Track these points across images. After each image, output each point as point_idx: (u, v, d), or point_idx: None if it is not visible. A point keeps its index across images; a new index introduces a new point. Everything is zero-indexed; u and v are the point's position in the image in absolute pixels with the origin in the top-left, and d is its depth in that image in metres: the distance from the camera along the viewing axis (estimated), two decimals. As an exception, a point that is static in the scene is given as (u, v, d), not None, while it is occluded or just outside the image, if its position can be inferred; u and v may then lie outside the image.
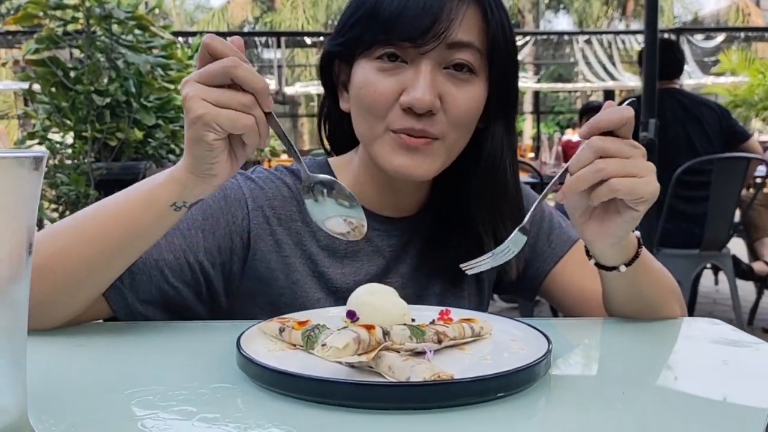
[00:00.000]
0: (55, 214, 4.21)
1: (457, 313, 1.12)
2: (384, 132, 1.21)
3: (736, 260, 4.76)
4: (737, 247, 4.92)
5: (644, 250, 1.16)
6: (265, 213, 1.30)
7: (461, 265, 1.14)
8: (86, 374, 0.96)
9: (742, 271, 4.96)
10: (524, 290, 1.47)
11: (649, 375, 0.99)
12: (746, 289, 5.32)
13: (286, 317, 1.05)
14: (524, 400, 0.85)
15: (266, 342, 1.02)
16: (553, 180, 1.06)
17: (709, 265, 5.49)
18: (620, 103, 1.04)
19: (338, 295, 1.30)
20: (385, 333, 0.90)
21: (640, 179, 1.00)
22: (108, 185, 4.32)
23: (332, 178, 1.10)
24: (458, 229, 1.34)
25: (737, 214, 4.70)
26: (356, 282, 1.31)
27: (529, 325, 1.05)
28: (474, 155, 1.29)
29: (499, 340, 1.04)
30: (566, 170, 1.03)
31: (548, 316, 4.68)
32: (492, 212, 1.32)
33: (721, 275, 5.92)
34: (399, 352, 0.90)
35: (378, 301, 1.04)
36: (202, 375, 0.93)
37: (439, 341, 0.96)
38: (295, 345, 1.00)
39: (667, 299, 1.25)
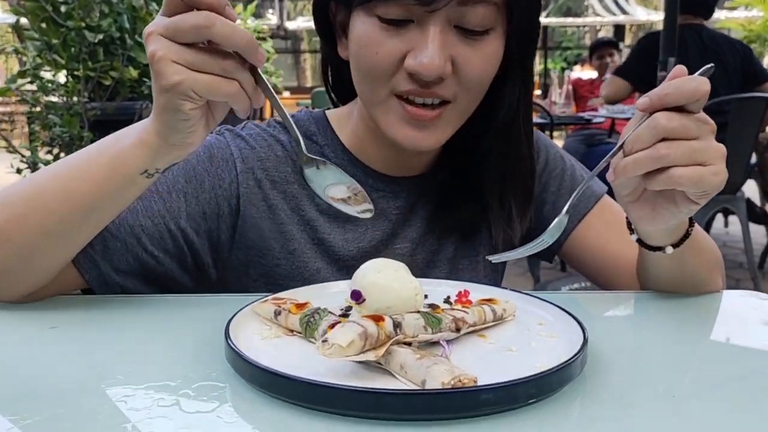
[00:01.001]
0: (49, 157, 4.07)
1: (475, 290, 1.00)
2: (387, 97, 1.06)
3: (750, 204, 4.64)
4: (750, 190, 4.79)
5: (695, 228, 1.03)
6: (257, 175, 1.16)
7: (488, 257, 1.01)
8: (58, 362, 0.85)
9: (755, 214, 4.84)
10: (546, 251, 1.34)
11: (701, 369, 0.87)
12: (757, 232, 5.21)
13: (282, 297, 0.93)
14: (556, 403, 0.73)
15: (260, 326, 0.90)
16: (605, 159, 0.92)
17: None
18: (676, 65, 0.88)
19: (340, 264, 1.18)
20: (396, 324, 0.78)
21: (706, 169, 0.85)
22: (102, 126, 4.16)
23: (327, 162, 0.95)
24: (472, 189, 1.21)
25: (753, 156, 4.55)
26: (359, 249, 1.19)
27: (557, 306, 0.93)
28: (488, 110, 1.15)
29: (524, 324, 0.92)
30: (620, 146, 0.88)
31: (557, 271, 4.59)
32: (501, 172, 1.19)
33: (732, 218, 5.80)
34: (411, 345, 0.78)
35: (387, 280, 0.91)
36: (186, 366, 0.81)
37: (458, 329, 0.84)
38: (292, 331, 0.88)
39: (712, 274, 1.12)
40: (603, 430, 0.70)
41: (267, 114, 8.83)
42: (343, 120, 1.23)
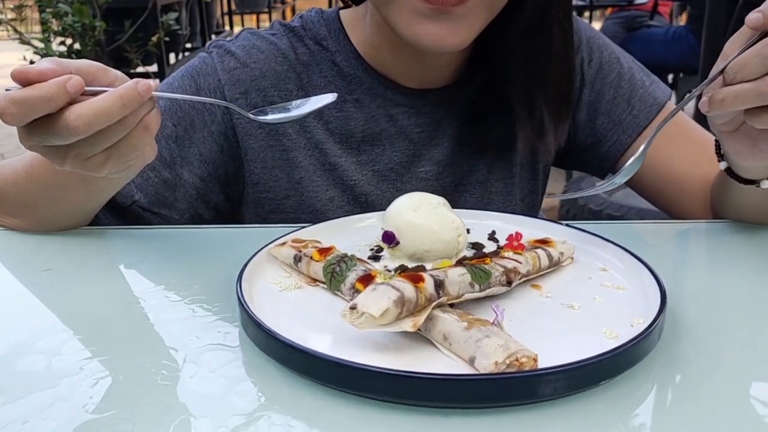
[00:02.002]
0: (63, 48, 3.90)
1: (523, 225, 0.87)
2: None
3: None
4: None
5: None
6: (251, 100, 1.01)
7: (548, 196, 0.86)
8: (43, 321, 0.74)
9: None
10: (596, 167, 1.19)
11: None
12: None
13: (302, 238, 0.81)
14: (626, 384, 0.61)
15: (278, 274, 0.78)
16: (701, 84, 0.75)
17: None
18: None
19: (356, 192, 1.05)
20: (438, 284, 0.65)
21: None
22: (115, 15, 3.97)
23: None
24: (504, 100, 1.05)
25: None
26: (375, 173, 1.05)
27: (622, 247, 0.80)
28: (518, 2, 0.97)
29: (584, 270, 0.79)
30: (721, 71, 0.71)
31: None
32: (528, 73, 1.01)
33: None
34: (454, 306, 0.66)
35: (424, 219, 0.78)
36: (195, 326, 0.70)
37: (509, 282, 0.71)
38: (315, 280, 0.76)
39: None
40: (679, 410, 0.58)
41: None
42: (358, 22, 1.06)
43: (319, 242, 0.80)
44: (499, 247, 0.84)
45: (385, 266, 0.79)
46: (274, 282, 0.76)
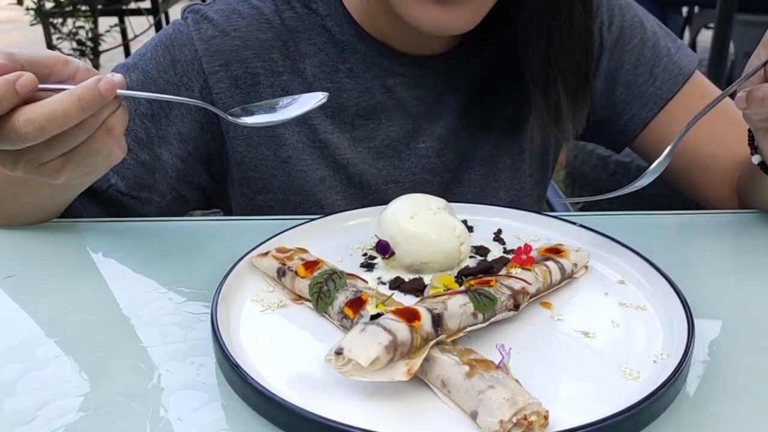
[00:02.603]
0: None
1: (531, 221, 0.79)
2: None
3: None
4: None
5: None
6: (232, 72, 0.92)
7: (565, 201, 0.78)
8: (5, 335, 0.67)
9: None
10: (610, 141, 1.10)
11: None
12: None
13: (287, 247, 0.72)
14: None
15: (261, 287, 0.70)
16: (739, 79, 0.65)
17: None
18: None
19: (349, 171, 0.96)
20: (436, 318, 0.57)
21: None
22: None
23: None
24: (513, 71, 0.95)
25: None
26: (371, 149, 0.96)
27: (641, 256, 0.71)
28: None
29: (599, 284, 0.71)
30: (763, 64, 0.62)
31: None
32: (545, 51, 0.91)
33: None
34: (455, 344, 0.59)
35: (423, 227, 0.70)
36: (169, 353, 0.63)
37: (516, 306, 0.63)
38: (300, 298, 0.68)
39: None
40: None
41: None
42: None
43: (305, 252, 0.72)
44: (505, 251, 0.76)
45: (379, 278, 0.71)
46: (255, 298, 0.68)
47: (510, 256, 0.75)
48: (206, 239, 0.85)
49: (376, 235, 0.72)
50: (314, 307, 0.66)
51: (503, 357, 0.56)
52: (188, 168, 0.94)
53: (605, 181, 2.71)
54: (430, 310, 0.57)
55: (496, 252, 0.76)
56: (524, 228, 0.81)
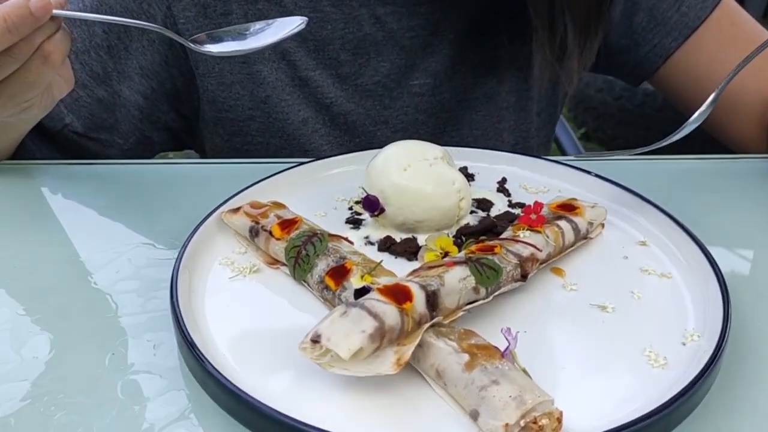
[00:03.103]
0: None
1: (539, 169, 0.69)
2: None
3: None
4: None
5: None
6: None
7: (601, 156, 0.68)
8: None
9: None
10: (628, 73, 0.99)
11: None
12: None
13: (261, 202, 0.63)
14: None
15: (231, 247, 0.61)
16: None
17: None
18: None
19: (333, 111, 0.86)
20: (431, 296, 0.49)
21: None
22: None
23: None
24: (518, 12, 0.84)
25: None
26: (358, 88, 0.86)
27: (665, 212, 0.63)
28: None
29: (619, 243, 0.62)
30: None
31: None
32: None
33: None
34: (453, 325, 0.50)
35: (417, 181, 0.61)
36: (122, 327, 0.55)
37: (524, 276, 0.55)
38: (276, 261, 0.59)
39: None
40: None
41: None
42: None
43: (282, 207, 0.63)
44: (510, 204, 0.67)
45: (367, 237, 0.62)
46: (225, 261, 0.60)
47: (516, 211, 0.66)
48: (175, 185, 0.76)
49: (363, 189, 0.62)
50: (291, 274, 0.57)
51: (509, 343, 0.47)
52: (152, 106, 0.84)
53: (610, 105, 2.59)
54: (423, 287, 0.49)
55: (500, 205, 0.67)
56: (531, 177, 0.72)
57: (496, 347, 0.47)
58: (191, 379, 0.50)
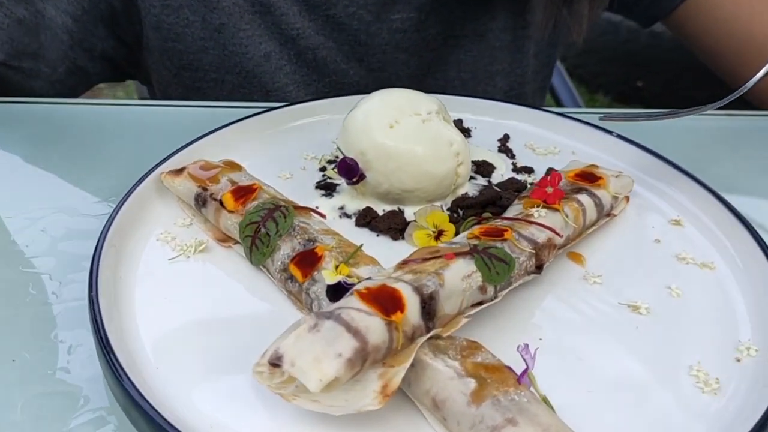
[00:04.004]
0: None
1: (549, 125, 0.58)
2: None
3: None
4: None
5: None
6: None
7: (604, 116, 0.56)
8: None
9: None
10: (644, 14, 0.87)
11: None
12: None
13: (209, 163, 0.51)
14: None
15: (171, 219, 0.49)
16: None
17: None
18: None
19: (300, 45, 0.74)
20: (427, 302, 0.37)
21: None
22: None
23: None
24: None
25: None
26: (329, 20, 0.73)
27: (703, 185, 0.52)
28: None
29: (649, 222, 0.51)
30: None
31: None
32: None
33: None
34: (454, 337, 0.39)
35: (407, 142, 0.49)
36: (30, 307, 0.43)
37: (539, 268, 0.44)
38: (228, 239, 0.47)
39: None
40: None
41: None
42: None
43: (237, 168, 0.50)
44: (515, 169, 0.56)
45: (342, 208, 0.51)
46: (164, 236, 0.48)
47: (522, 178, 0.55)
48: (107, 134, 0.63)
49: (338, 148, 0.50)
50: (247, 257, 0.45)
51: (527, 364, 0.36)
52: (85, 30, 0.70)
53: (616, 50, 2.43)
54: (418, 290, 0.37)
55: (502, 169, 0.56)
56: (538, 134, 0.60)
57: (508, 368, 0.37)
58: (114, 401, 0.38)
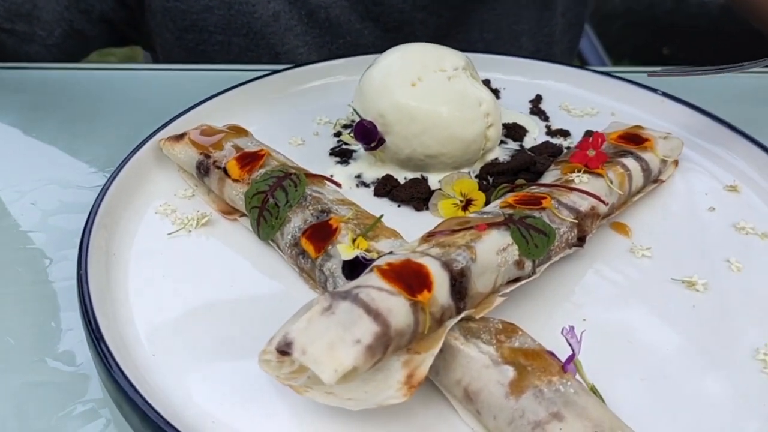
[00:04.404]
0: None
1: (586, 84, 0.53)
2: None
3: None
4: None
5: None
6: None
7: (652, 73, 0.51)
8: None
9: None
10: None
11: None
12: None
13: (212, 128, 0.46)
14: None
15: (171, 190, 0.45)
16: None
17: None
18: None
19: (312, 4, 0.69)
20: (458, 279, 0.33)
21: None
22: None
23: None
24: None
25: None
26: None
27: (758, 144, 0.47)
28: None
29: (701, 187, 0.46)
30: None
31: None
32: None
33: None
34: (489, 319, 0.34)
35: (431, 102, 0.44)
36: (19, 286, 0.39)
37: (582, 238, 0.39)
38: (233, 211, 0.43)
39: None
40: None
41: None
42: None
43: (243, 133, 0.46)
44: (550, 132, 0.51)
45: (359, 176, 0.46)
46: (163, 209, 0.43)
47: (557, 141, 0.50)
48: (109, 98, 0.58)
49: (354, 111, 0.45)
50: (254, 230, 0.41)
51: (573, 349, 0.32)
52: None
53: (617, 5, 2.34)
54: (447, 265, 0.33)
55: (535, 132, 0.51)
56: (574, 94, 0.55)
57: (550, 353, 0.32)
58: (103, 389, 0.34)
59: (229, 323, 0.36)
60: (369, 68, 0.45)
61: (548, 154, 0.47)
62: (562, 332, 0.32)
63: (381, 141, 0.44)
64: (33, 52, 0.67)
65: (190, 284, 0.38)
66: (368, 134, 0.44)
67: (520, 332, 0.33)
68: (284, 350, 0.29)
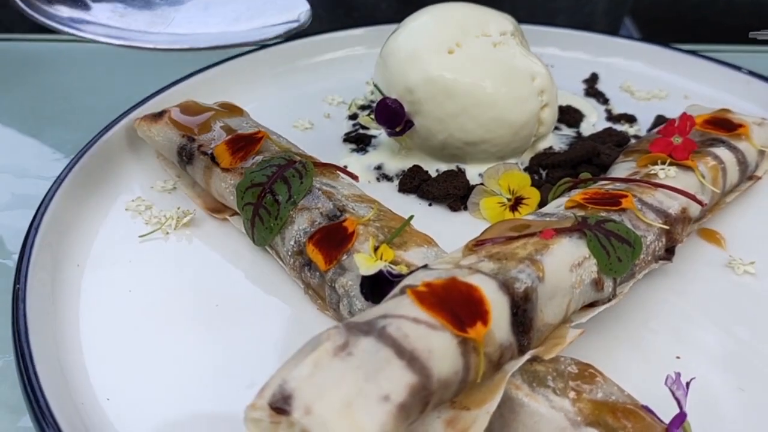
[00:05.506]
0: None
1: (655, 60, 0.44)
2: None
3: None
4: None
5: None
6: None
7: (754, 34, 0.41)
8: None
9: None
10: None
11: None
12: None
13: (198, 106, 0.37)
14: None
15: (147, 181, 0.36)
16: None
17: None
18: None
19: None
20: (519, 306, 0.24)
21: None
22: None
23: None
24: None
25: None
26: None
27: None
28: None
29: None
30: None
31: None
32: None
33: None
34: (560, 359, 0.25)
35: (472, 74, 0.34)
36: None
37: (671, 248, 0.30)
38: (222, 208, 0.34)
39: None
40: None
41: None
42: None
43: (236, 112, 0.37)
44: (610, 117, 0.42)
45: (379, 168, 0.37)
46: (135, 205, 0.35)
47: (621, 128, 0.41)
48: (79, 73, 0.50)
49: (375, 88, 0.36)
50: (248, 234, 0.32)
51: (681, 406, 0.23)
52: None
53: (687, 15, 2.23)
54: (506, 286, 0.24)
55: (593, 117, 0.42)
56: (638, 73, 0.46)
57: (648, 410, 0.23)
58: None
59: (209, 358, 0.27)
60: (393, 33, 0.37)
61: (613, 143, 0.38)
62: (666, 382, 0.23)
63: (408, 124, 0.35)
64: None
65: (164, 303, 0.30)
66: (392, 115, 0.35)
67: (599, 377, 0.24)
68: (280, 406, 0.20)
